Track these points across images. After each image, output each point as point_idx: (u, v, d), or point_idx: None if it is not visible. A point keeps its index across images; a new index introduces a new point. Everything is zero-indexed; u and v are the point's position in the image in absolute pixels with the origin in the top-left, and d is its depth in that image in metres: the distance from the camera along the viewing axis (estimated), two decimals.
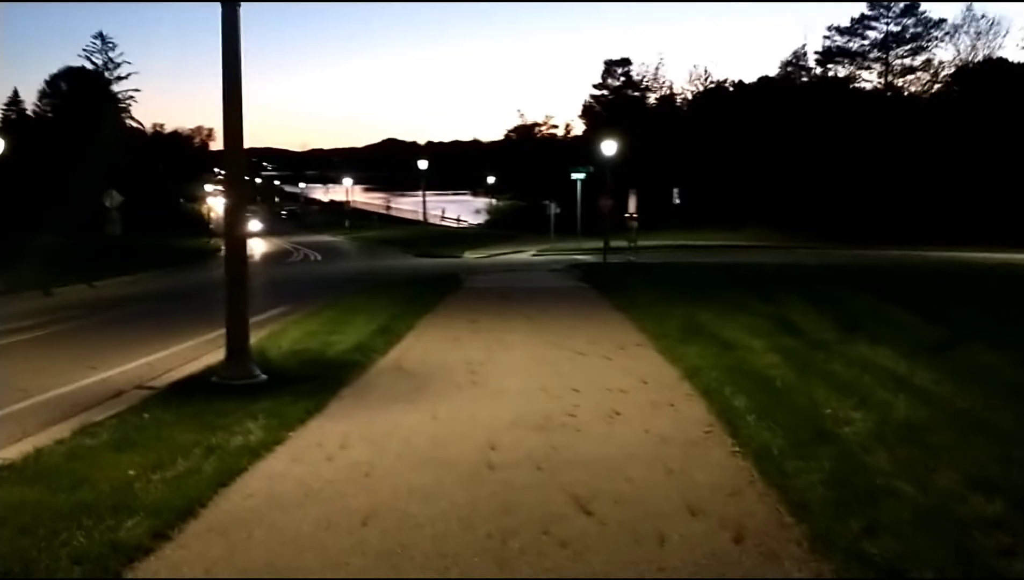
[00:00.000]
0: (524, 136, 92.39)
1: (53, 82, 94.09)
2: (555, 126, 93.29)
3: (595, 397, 7.95)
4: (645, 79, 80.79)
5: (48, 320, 17.35)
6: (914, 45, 61.73)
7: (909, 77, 62.77)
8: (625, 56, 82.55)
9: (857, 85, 64.94)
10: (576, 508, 5.06)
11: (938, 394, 7.19)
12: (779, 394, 7.38)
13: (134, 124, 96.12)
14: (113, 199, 38.96)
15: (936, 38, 61.08)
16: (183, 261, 41.13)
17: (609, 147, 35.16)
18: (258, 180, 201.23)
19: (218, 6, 8.48)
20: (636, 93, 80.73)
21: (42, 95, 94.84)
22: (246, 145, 8.54)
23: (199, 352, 11.50)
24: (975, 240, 38.81)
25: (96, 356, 11.77)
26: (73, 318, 17.88)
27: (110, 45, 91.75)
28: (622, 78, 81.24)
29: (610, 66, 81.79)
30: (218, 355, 9.92)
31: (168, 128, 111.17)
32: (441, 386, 8.64)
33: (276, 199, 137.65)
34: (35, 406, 8.52)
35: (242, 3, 8.51)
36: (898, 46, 62.15)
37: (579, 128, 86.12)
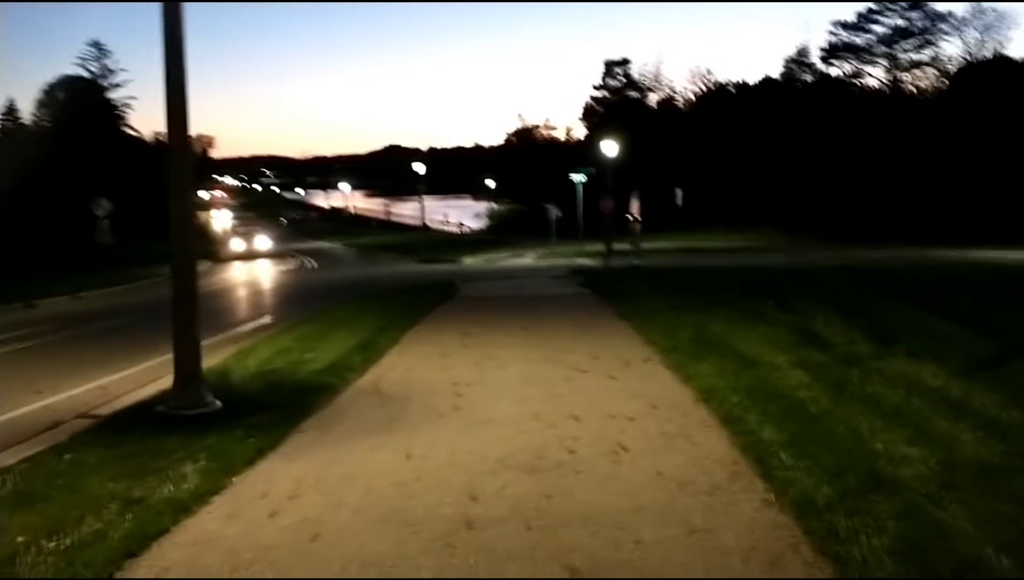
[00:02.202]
0: (524, 139, 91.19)
1: (50, 91, 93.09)
2: (555, 129, 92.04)
3: (597, 427, 6.83)
4: (646, 80, 79.57)
5: (15, 336, 16.28)
6: (921, 39, 60.39)
7: (916, 72, 61.49)
8: (625, 57, 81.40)
9: (863, 82, 63.72)
10: None
11: (1008, 423, 6.02)
12: (814, 423, 6.25)
13: (131, 132, 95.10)
14: (102, 208, 37.96)
15: (943, 32, 59.81)
16: None
17: (610, 148, 34.08)
18: (258, 187, 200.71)
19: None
20: (637, 94, 79.39)
21: (39, 104, 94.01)
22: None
23: (163, 371, 10.37)
24: (987, 239, 37.60)
25: (50, 377, 10.71)
26: (45, 333, 16.82)
27: (105, 52, 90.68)
28: (622, 79, 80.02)
29: (610, 67, 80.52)
30: None
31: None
32: (420, 414, 7.51)
33: (278, 208, 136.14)
34: None
35: (187, 2, 7.51)
36: (904, 41, 60.88)
37: (580, 131, 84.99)
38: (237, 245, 51.81)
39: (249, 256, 48.99)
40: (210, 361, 10.64)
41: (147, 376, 10.36)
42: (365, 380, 9.20)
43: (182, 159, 7.45)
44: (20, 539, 4.54)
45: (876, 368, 8.05)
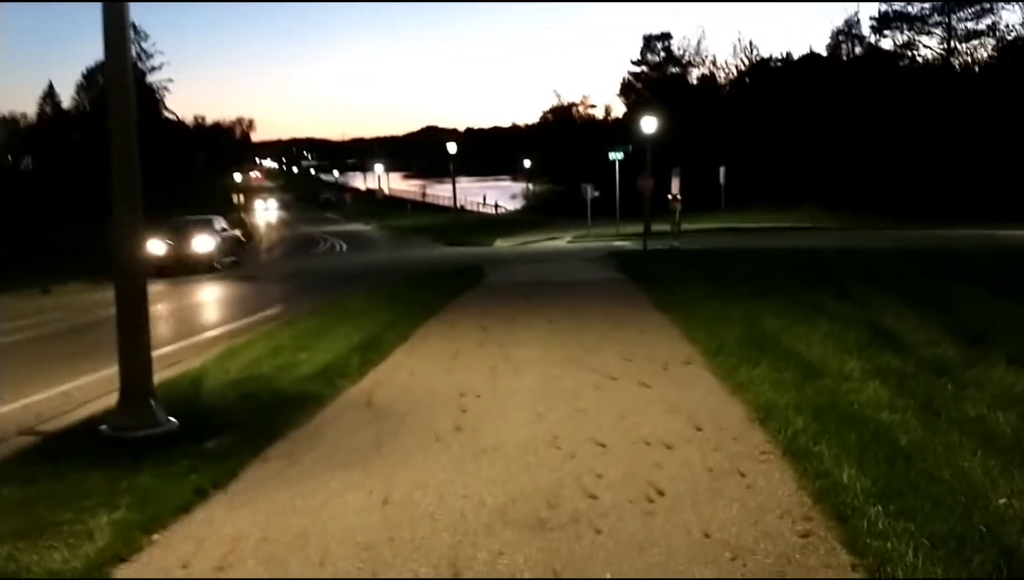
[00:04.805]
0: (561, 117, 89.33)
1: (89, 76, 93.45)
2: (593, 106, 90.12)
3: (627, 458, 5.47)
4: (687, 54, 77.27)
5: (15, 327, 15.29)
6: (978, 7, 57.53)
7: (973, 42, 58.64)
8: (665, 31, 79.08)
9: (916, 53, 61.01)
10: None
11: None
12: (908, 462, 4.81)
13: (169, 115, 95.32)
14: None
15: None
16: None
17: (649, 124, 32.54)
18: (296, 169, 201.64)
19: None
20: (677, 69, 77.29)
21: (79, 89, 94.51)
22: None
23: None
24: None
25: (21, 379, 9.55)
26: (47, 323, 15.85)
27: (142, 35, 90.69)
28: (662, 53, 77.88)
29: (650, 41, 78.48)
30: (161, 375, 7.73)
31: (210, 120, 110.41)
32: (413, 437, 6.20)
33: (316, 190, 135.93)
34: None
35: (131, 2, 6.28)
36: (960, 8, 58.01)
37: (618, 109, 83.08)
38: (155, 247, 25.71)
39: (172, 268, 26.21)
40: (191, 363, 9.53)
41: None
42: (359, 388, 7.93)
43: (125, 127, 6.17)
44: None
45: (972, 379, 6.54)
